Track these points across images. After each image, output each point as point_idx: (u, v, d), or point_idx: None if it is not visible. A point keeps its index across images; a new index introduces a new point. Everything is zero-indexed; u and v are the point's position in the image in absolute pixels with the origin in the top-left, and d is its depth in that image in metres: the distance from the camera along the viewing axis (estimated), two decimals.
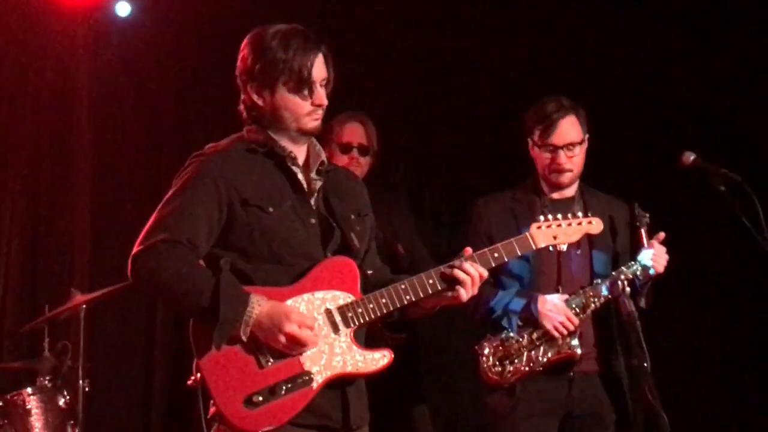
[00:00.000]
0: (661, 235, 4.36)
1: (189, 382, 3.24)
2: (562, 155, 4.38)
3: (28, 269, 6.07)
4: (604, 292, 4.32)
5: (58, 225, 6.16)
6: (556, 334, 4.28)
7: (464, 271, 3.27)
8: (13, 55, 6.11)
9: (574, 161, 4.41)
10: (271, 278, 3.24)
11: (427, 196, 6.26)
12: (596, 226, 3.63)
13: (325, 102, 3.33)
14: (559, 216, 3.53)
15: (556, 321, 4.27)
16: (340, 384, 3.25)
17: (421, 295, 3.30)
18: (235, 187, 3.24)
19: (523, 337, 4.33)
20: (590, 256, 4.42)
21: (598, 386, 4.39)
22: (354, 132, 5.25)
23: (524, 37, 6.27)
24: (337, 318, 3.24)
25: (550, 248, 4.23)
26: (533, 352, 4.31)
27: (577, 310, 4.32)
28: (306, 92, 3.28)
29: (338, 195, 3.41)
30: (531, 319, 4.32)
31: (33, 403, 5.18)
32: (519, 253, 3.42)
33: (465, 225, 4.57)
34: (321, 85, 3.31)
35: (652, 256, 4.29)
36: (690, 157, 4.42)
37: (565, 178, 4.43)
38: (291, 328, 3.14)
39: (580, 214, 4.20)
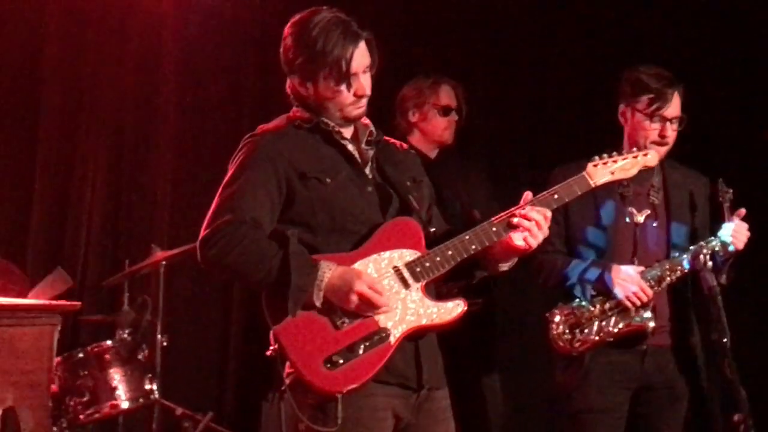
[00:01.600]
0: (742, 211, 4.29)
1: (268, 353, 3.23)
2: (669, 128, 4.32)
3: (110, 225, 6.17)
4: (686, 264, 4.24)
5: (141, 182, 6.25)
6: (629, 305, 4.21)
7: (527, 218, 3.27)
8: (100, 17, 6.19)
9: (674, 135, 4.36)
10: (337, 247, 3.26)
11: (505, 163, 6.20)
12: (652, 158, 3.64)
13: (368, 92, 3.33)
14: (614, 152, 3.53)
15: (629, 291, 4.20)
16: (413, 343, 3.27)
17: (486, 244, 3.30)
18: (291, 163, 3.26)
19: (595, 306, 4.28)
20: (668, 228, 4.37)
21: (671, 360, 4.33)
22: (450, 94, 5.28)
23: (609, 6, 6.18)
24: (406, 274, 3.26)
25: (627, 219, 4.32)
26: (604, 322, 4.25)
27: (652, 282, 4.24)
28: (347, 85, 3.29)
29: (392, 164, 3.44)
30: (604, 289, 4.26)
31: (112, 356, 5.27)
32: (579, 192, 3.42)
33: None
34: (364, 73, 3.32)
35: (732, 232, 4.21)
36: None
37: (664, 150, 4.34)
38: (361, 287, 3.17)
39: (656, 183, 4.33)
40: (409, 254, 3.29)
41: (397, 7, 6.26)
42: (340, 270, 3.18)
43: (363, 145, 3.40)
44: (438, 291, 3.37)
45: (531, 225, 3.26)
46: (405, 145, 3.59)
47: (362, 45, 3.31)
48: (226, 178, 3.29)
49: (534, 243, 3.28)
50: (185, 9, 6.27)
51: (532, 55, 6.33)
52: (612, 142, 4.21)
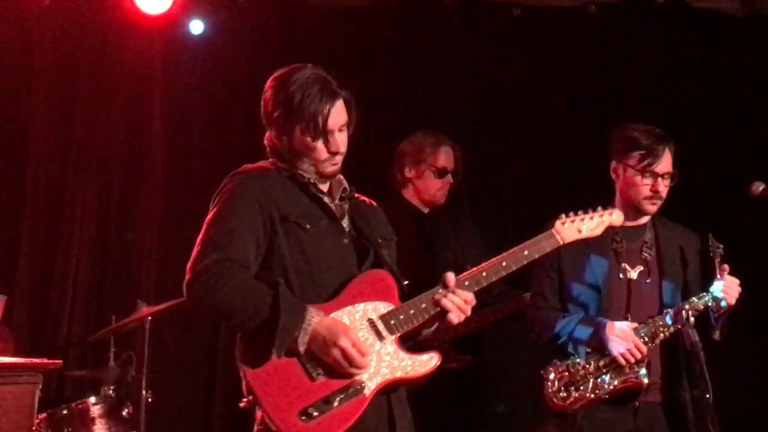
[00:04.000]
0: (725, 267, 4.29)
1: (241, 405, 3.25)
2: (661, 183, 4.37)
3: (96, 280, 6.15)
4: (668, 321, 4.24)
5: (127, 237, 6.24)
6: (623, 362, 4.21)
7: (450, 301, 3.32)
8: (89, 70, 6.24)
9: (665, 190, 4.42)
10: (310, 296, 3.28)
11: (492, 218, 6.26)
12: (617, 217, 3.77)
13: (343, 149, 3.39)
14: (580, 211, 3.63)
15: (623, 348, 4.20)
16: (385, 397, 3.29)
17: None
18: (275, 203, 3.30)
19: (589, 364, 4.27)
20: (660, 285, 4.38)
21: (662, 416, 4.33)
22: (449, 157, 5.30)
23: (596, 62, 6.25)
24: (380, 326, 3.28)
25: (620, 276, 4.35)
26: (599, 380, 4.25)
27: (646, 338, 4.25)
28: (322, 141, 3.35)
29: (364, 220, 3.48)
30: (599, 346, 4.26)
31: (96, 412, 5.19)
32: (548, 249, 3.51)
33: None
34: (340, 131, 3.38)
35: (723, 288, 4.22)
36: (759, 187, 4.42)
37: (656, 206, 4.41)
38: (345, 343, 3.17)
39: (648, 240, 4.34)
40: (383, 307, 3.31)
41: (390, 62, 6.33)
42: (329, 321, 3.20)
43: (337, 201, 3.44)
44: (415, 343, 3.41)
45: (451, 307, 3.31)
46: (374, 203, 3.62)
47: (339, 103, 3.37)
48: (212, 215, 3.30)
49: (456, 321, 3.33)
50: (174, 61, 6.30)
51: (526, 111, 6.36)
52: (605, 198, 4.38)
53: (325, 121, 3.33)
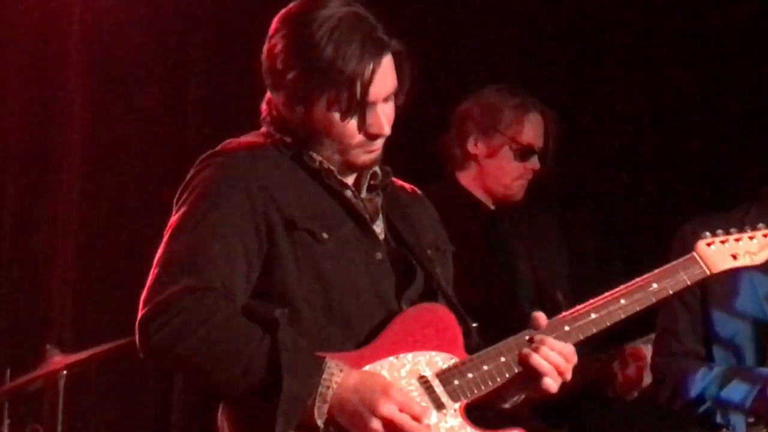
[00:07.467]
0: None
1: None
2: None
3: None
4: None
5: (29, 247, 5.57)
6: None
7: (544, 358, 3.04)
8: None
9: None
10: (328, 338, 2.97)
11: (590, 226, 5.63)
12: None
13: (387, 130, 3.04)
14: (733, 228, 3.36)
15: None
16: None
17: None
18: (275, 200, 2.99)
19: None
20: None
21: None
22: (539, 129, 4.66)
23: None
24: (439, 389, 2.96)
25: None
26: None
27: None
28: (357, 118, 3.01)
29: (406, 220, 3.19)
30: (766, 413, 3.86)
31: None
32: (688, 283, 3.23)
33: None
34: (385, 101, 3.06)
35: None
36: None
37: None
38: (389, 409, 2.84)
39: None
40: (442, 359, 3.00)
41: None
42: (358, 377, 2.89)
43: (364, 194, 3.12)
44: (487, 411, 3.10)
45: (549, 368, 3.01)
46: (417, 191, 3.32)
47: (387, 61, 3.00)
48: (178, 219, 2.97)
49: (552, 389, 3.05)
50: None
51: (651, 64, 5.57)
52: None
53: (366, 89, 2.96)
